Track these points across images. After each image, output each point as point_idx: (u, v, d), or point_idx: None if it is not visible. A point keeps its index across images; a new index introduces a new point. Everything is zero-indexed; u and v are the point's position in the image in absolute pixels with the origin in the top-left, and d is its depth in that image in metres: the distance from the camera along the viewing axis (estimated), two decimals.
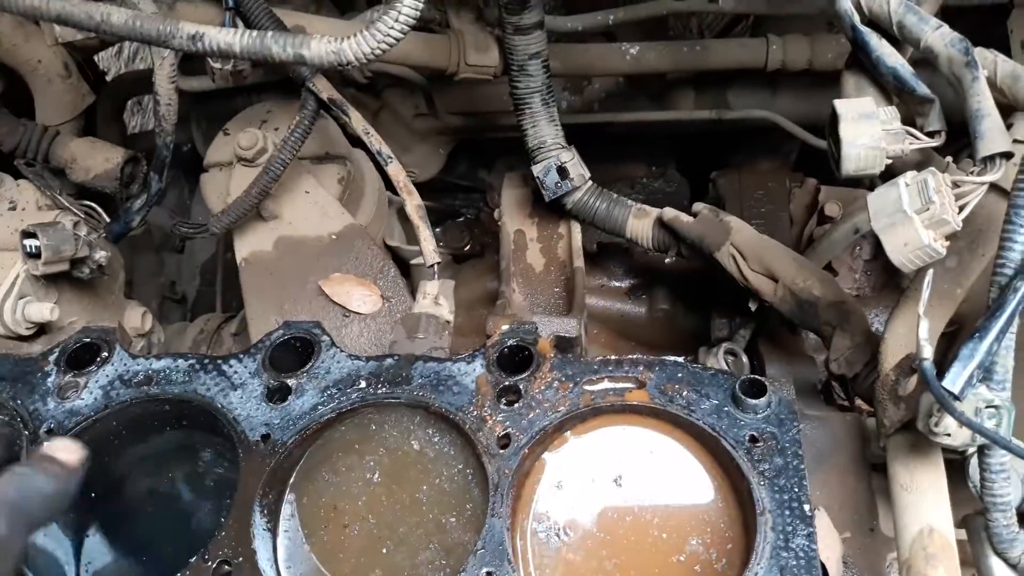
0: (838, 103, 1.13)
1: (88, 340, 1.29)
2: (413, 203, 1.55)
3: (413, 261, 1.89)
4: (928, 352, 0.99)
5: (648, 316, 1.91)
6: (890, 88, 1.18)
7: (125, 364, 1.26)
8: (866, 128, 1.10)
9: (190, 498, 1.27)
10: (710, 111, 2.06)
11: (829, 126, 1.15)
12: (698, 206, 1.56)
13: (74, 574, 1.21)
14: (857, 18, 1.17)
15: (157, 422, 1.26)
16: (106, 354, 1.27)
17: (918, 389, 1.11)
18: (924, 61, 1.15)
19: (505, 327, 1.23)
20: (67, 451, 1.03)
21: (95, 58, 2.27)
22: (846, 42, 1.21)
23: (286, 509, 1.16)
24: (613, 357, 1.19)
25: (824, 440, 1.39)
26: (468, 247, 2.25)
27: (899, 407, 1.16)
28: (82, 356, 1.28)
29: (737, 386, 1.12)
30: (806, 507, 1.04)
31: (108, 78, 2.42)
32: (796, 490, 1.05)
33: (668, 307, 1.90)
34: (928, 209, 1.04)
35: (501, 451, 1.11)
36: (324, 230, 1.67)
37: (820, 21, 1.98)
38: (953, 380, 0.98)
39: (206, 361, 1.25)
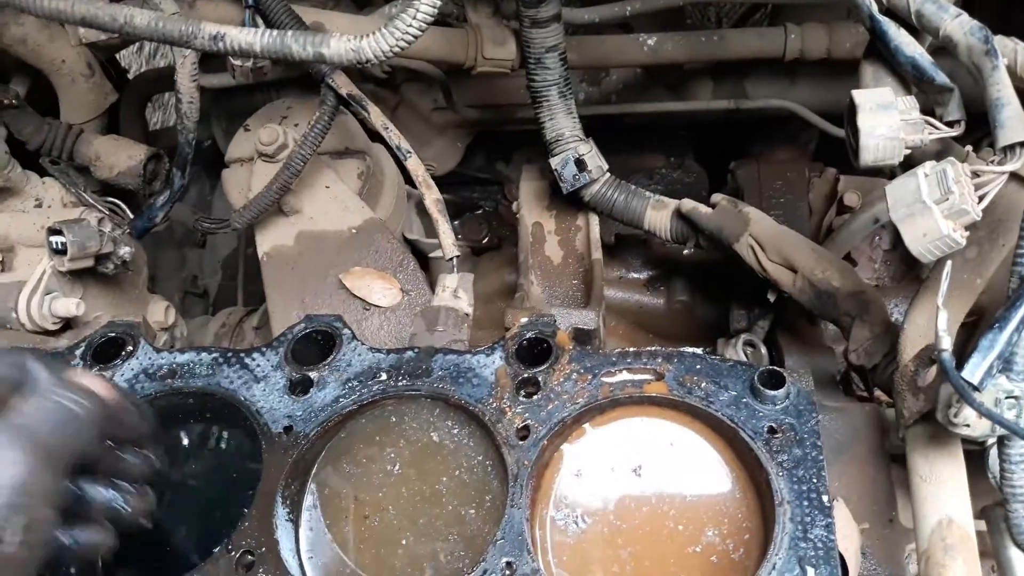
0: (856, 93, 1.12)
1: (113, 334, 1.31)
2: (432, 197, 1.56)
3: (432, 254, 1.90)
4: (947, 343, 0.99)
5: (667, 308, 1.91)
6: (908, 78, 1.17)
7: (149, 358, 1.28)
8: (884, 118, 1.09)
9: (214, 489, 1.28)
10: (728, 101, 2.06)
11: (847, 116, 1.14)
12: (716, 197, 1.56)
13: (99, 563, 1.23)
14: (875, 7, 1.16)
15: (181, 415, 1.28)
16: (131, 348, 1.30)
17: (937, 380, 1.10)
18: (943, 50, 1.14)
19: (524, 320, 1.24)
20: (96, 382, 0.95)
21: (117, 56, 2.29)
22: (864, 31, 1.21)
23: (308, 500, 1.17)
24: (631, 349, 1.19)
25: (843, 431, 1.39)
26: (486, 240, 2.26)
27: (918, 398, 1.15)
28: (107, 350, 1.30)
29: (755, 377, 1.12)
30: (824, 498, 1.03)
31: (130, 75, 2.44)
32: (815, 481, 1.05)
33: (687, 298, 1.89)
34: (947, 199, 1.03)
35: (520, 442, 1.11)
36: (344, 224, 1.68)
37: (838, 9, 1.96)
38: (972, 371, 0.97)
39: (229, 354, 1.27)
